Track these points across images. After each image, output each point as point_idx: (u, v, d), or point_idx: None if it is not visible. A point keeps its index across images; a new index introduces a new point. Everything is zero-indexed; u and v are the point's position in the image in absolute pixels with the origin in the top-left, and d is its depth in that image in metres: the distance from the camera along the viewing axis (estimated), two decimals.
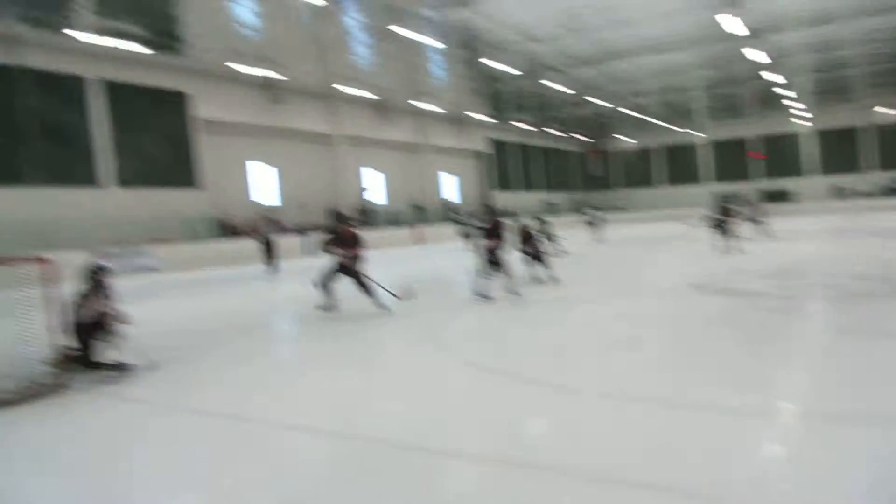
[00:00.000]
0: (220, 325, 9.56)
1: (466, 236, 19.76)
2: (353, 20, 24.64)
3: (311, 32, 21.15)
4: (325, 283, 9.02)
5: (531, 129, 43.44)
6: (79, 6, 16.66)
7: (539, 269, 11.63)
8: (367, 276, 8.99)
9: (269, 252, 17.26)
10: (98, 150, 20.20)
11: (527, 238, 11.80)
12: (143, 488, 3.69)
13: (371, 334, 7.90)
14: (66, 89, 19.51)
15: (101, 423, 4.88)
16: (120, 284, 7.47)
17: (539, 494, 3.20)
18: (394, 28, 22.17)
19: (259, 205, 26.03)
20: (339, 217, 9.49)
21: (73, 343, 6.01)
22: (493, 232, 9.69)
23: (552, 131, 45.79)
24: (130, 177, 20.85)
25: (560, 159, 50.42)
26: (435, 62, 32.26)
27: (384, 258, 22.16)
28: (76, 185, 19.56)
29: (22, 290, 5.97)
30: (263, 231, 18.28)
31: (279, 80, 25.16)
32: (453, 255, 20.57)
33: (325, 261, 9.31)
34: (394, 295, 9.33)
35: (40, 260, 6.02)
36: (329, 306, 9.06)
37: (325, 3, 17.15)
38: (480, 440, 4.08)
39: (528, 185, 45.50)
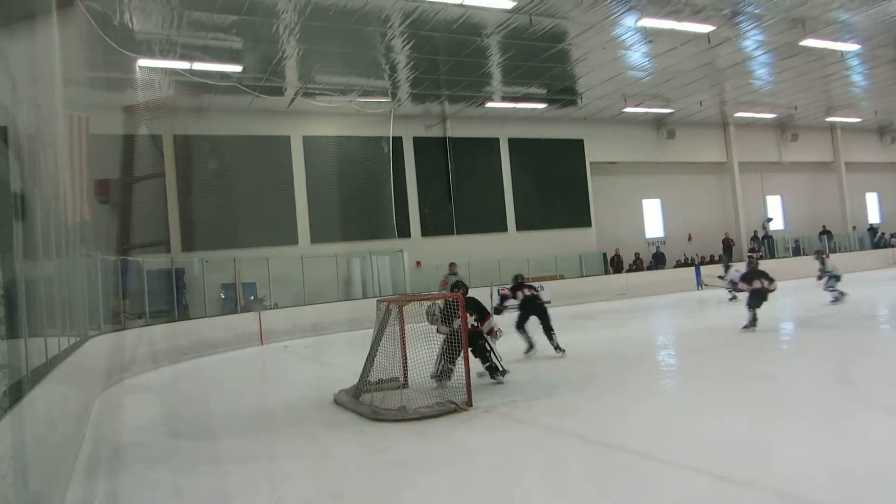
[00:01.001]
0: (605, 355, 10.28)
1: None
2: (750, 41, 23.43)
3: (703, 62, 20.87)
4: None
5: None
6: (494, 81, 19.65)
7: None
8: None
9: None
10: (506, 199, 23.47)
11: None
12: (510, 497, 4.40)
13: (760, 369, 7.69)
14: (485, 151, 23.26)
15: (492, 439, 5.86)
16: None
17: None
18: (801, 43, 20.49)
19: (647, 239, 26.60)
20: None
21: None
22: None
23: None
24: (527, 220, 23.73)
25: None
26: (852, 69, 28.42)
27: (788, 289, 20.47)
28: (490, 231, 22.97)
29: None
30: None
31: (670, 115, 25.35)
32: (874, 285, 18.02)
33: None
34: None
35: (456, 296, 7.56)
36: None
37: (713, 28, 16.80)
38: None
39: None
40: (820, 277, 15.30)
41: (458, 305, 7.54)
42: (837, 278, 14.96)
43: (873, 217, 32.73)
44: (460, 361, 7.76)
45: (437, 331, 7.99)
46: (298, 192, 20.44)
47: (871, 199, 33.10)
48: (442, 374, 8.01)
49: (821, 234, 28.78)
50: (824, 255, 15.64)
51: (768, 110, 26.04)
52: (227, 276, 17.88)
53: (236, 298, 17.90)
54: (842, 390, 6.61)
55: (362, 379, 7.83)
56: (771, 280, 11.08)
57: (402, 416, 6.62)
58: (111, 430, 7.56)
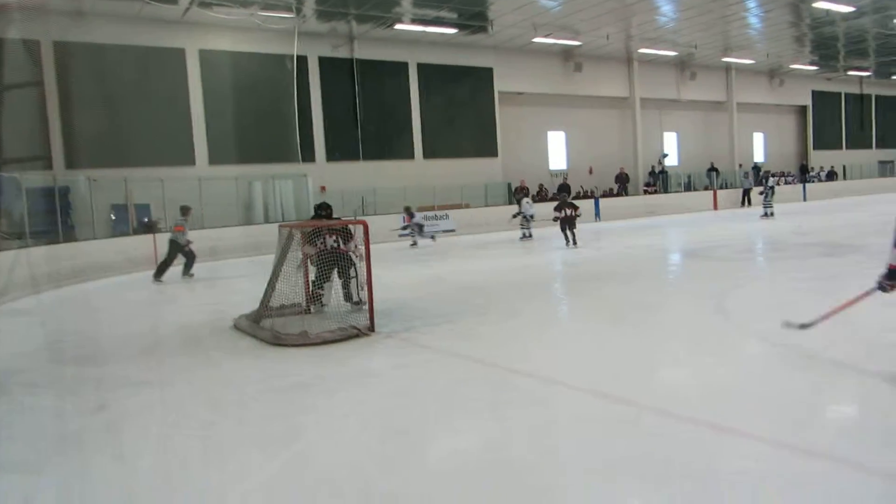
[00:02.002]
0: (505, 283, 10.59)
1: None
2: None
3: None
4: None
5: (869, 76, 37.06)
6: (404, 1, 18.99)
7: None
8: None
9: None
10: (414, 126, 23.16)
11: None
12: (409, 418, 4.54)
13: (647, 298, 8.12)
14: (393, 75, 22.71)
15: (393, 362, 5.98)
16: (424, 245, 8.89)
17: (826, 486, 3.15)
18: None
19: (551, 171, 27.22)
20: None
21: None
22: None
23: None
24: (435, 148, 23.60)
25: None
26: (750, 11, 29.45)
27: (677, 223, 21.69)
28: (396, 158, 22.74)
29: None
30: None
31: (578, 48, 25.53)
32: (755, 220, 19.48)
33: None
34: None
35: (361, 222, 7.50)
36: None
37: None
38: (768, 421, 3.95)
39: (860, 142, 39.01)
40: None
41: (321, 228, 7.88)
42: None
43: (758, 156, 34.82)
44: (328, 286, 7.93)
45: (303, 250, 7.89)
46: (195, 110, 19.32)
47: (758, 139, 35.11)
48: (313, 298, 8.05)
49: (709, 170, 30.35)
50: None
51: (670, 48, 26.75)
52: (117, 197, 16.87)
53: (128, 220, 16.99)
54: (717, 318, 7.10)
55: (263, 304, 7.70)
56: (576, 208, 15.59)
57: (304, 340, 6.59)
58: None
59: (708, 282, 9.59)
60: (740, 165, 32.09)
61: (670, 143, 31.33)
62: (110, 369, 6.27)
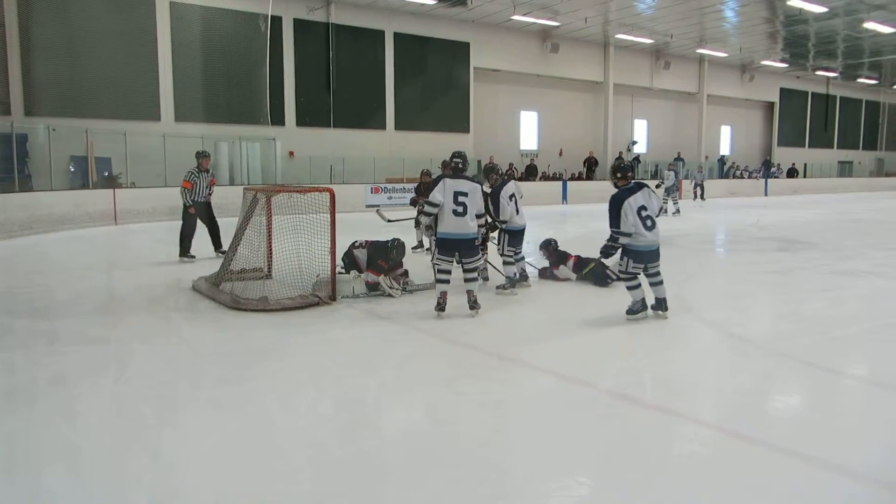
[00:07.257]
0: None
1: None
2: None
3: None
4: None
5: (835, 77, 37.76)
6: None
7: None
8: None
9: None
10: (387, 97, 22.89)
11: None
12: (365, 388, 4.58)
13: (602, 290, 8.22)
14: (369, 43, 22.38)
15: (352, 333, 5.98)
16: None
17: (764, 472, 3.28)
18: None
19: (522, 151, 27.26)
20: None
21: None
22: None
23: (867, 81, 38.72)
24: (407, 121, 23.35)
25: (872, 113, 43.08)
26: (727, 4, 29.65)
27: None
28: (368, 128, 22.51)
29: (311, 215, 7.46)
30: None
31: (556, 29, 25.45)
32: (720, 211, 19.79)
33: None
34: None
35: (327, 190, 7.39)
36: None
37: None
38: (709, 407, 4.25)
39: (822, 142, 39.86)
40: None
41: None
42: None
43: (725, 149, 35.38)
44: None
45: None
46: (163, 65, 18.75)
47: (725, 132, 35.64)
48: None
49: (675, 160, 30.58)
50: None
51: (647, 35, 26.83)
52: (77, 148, 16.39)
53: (88, 173, 16.55)
54: (672, 306, 7.22)
55: (223, 267, 7.62)
56: None
57: (263, 306, 6.56)
58: None
59: (665, 271, 9.70)
60: (706, 157, 32.57)
61: (640, 130, 31.61)
62: (64, 324, 6.16)
